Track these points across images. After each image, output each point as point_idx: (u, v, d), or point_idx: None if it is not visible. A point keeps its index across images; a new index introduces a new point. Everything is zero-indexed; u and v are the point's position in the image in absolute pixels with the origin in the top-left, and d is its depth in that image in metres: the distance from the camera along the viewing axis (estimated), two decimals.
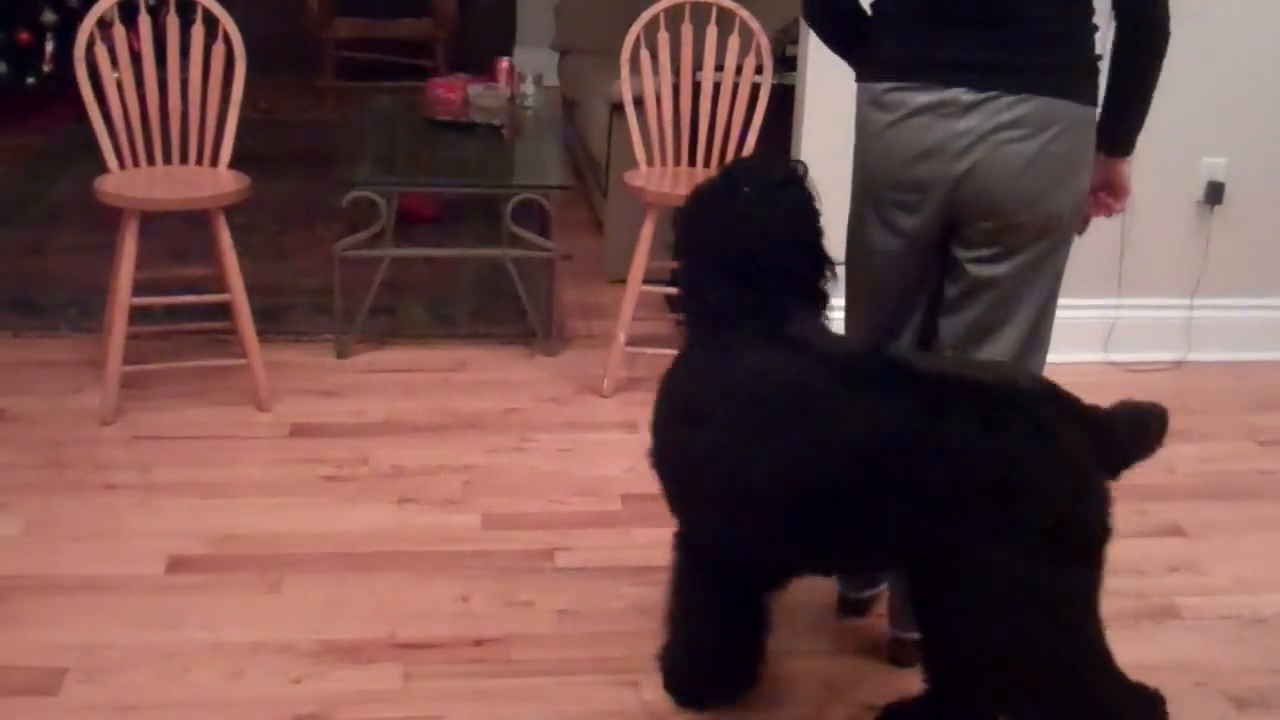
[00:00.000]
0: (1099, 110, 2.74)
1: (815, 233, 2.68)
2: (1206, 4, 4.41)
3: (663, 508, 3.23)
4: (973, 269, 2.78)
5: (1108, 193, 2.90)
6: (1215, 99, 4.59)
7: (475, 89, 5.40)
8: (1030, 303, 2.81)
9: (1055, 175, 2.68)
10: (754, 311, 2.60)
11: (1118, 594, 3.36)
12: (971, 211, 2.72)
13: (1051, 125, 2.65)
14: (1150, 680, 3.03)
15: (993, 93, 2.63)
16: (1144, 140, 4.07)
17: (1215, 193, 4.64)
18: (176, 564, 3.31)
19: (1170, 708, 2.94)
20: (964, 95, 2.64)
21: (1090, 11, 2.69)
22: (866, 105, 2.79)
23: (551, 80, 6.89)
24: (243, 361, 4.11)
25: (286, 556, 3.36)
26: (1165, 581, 3.45)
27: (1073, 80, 2.67)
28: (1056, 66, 2.65)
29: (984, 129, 2.65)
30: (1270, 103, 4.60)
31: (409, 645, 3.04)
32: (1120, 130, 2.79)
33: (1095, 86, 2.72)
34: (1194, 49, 4.50)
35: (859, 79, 2.82)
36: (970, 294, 2.81)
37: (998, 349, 2.81)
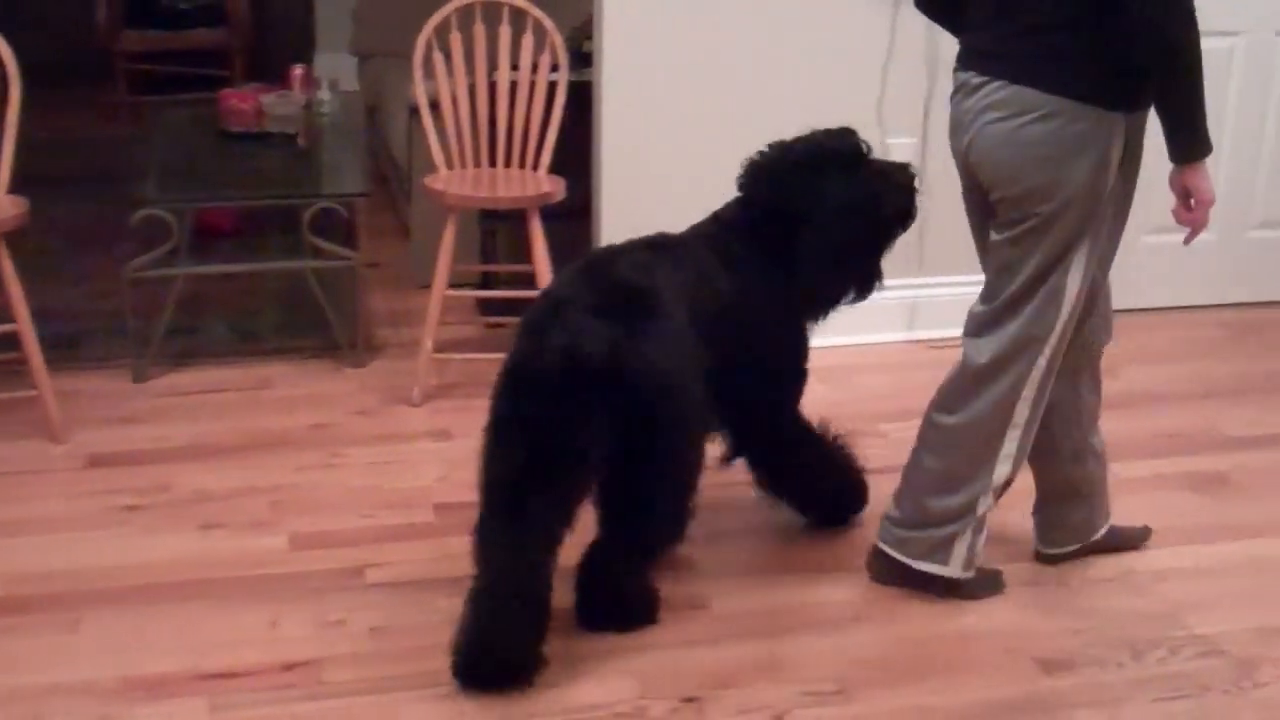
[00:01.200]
0: (1094, 106, 2.87)
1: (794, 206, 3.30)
2: None
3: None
4: (990, 233, 3.08)
5: (1183, 202, 2.98)
6: None
7: (269, 98, 5.29)
8: (1023, 273, 3.02)
9: (1030, 157, 2.90)
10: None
11: None
12: (979, 181, 3.04)
13: (1027, 111, 2.87)
14: (963, 648, 3.12)
15: (987, 77, 2.93)
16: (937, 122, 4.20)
17: None
18: None
19: (983, 675, 3.06)
20: (973, 79, 2.97)
21: (1094, 8, 2.79)
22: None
23: (354, 85, 6.79)
24: (34, 393, 3.97)
25: (86, 593, 3.25)
26: None
27: (1052, 71, 2.84)
28: (1038, 56, 2.84)
29: (977, 108, 2.96)
30: None
31: (215, 676, 2.96)
32: (1167, 138, 2.89)
33: (1084, 80, 2.85)
34: None
35: None
36: (992, 255, 3.09)
37: (999, 307, 3.08)
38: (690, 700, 2.91)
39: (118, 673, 2.95)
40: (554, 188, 4.34)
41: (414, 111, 4.96)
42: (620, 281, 3.05)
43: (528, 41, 4.42)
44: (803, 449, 3.51)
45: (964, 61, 3.04)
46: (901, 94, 4.64)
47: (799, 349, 3.44)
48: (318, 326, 4.68)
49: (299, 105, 5.26)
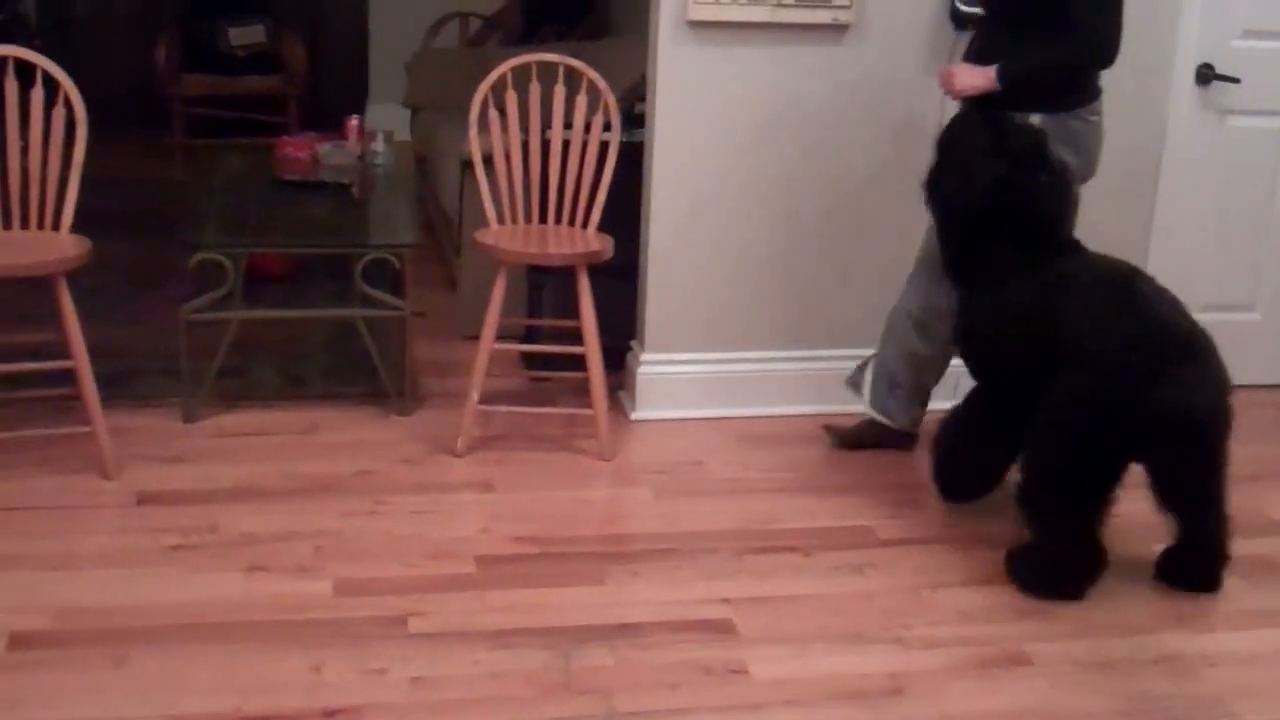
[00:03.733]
0: None
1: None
2: None
3: (517, 569, 3.25)
4: None
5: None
6: None
7: (324, 147, 5.36)
8: None
9: None
10: None
11: (968, 642, 3.43)
12: None
13: None
14: None
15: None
16: None
17: None
18: (18, 641, 3.22)
19: None
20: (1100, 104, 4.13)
21: None
22: (1090, 117, 4.08)
23: (405, 137, 6.87)
24: (87, 429, 4.02)
25: (132, 630, 3.28)
26: (1014, 628, 3.50)
27: None
28: None
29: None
30: None
31: (257, 718, 2.99)
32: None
33: None
34: None
35: (1082, 104, 4.05)
36: None
37: None
38: None
39: (159, 711, 2.99)
40: (603, 246, 4.39)
41: (466, 165, 5.02)
42: (1161, 325, 3.66)
43: (581, 101, 4.47)
44: None
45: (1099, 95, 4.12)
46: None
47: None
48: (365, 374, 4.73)
49: (354, 156, 5.33)
